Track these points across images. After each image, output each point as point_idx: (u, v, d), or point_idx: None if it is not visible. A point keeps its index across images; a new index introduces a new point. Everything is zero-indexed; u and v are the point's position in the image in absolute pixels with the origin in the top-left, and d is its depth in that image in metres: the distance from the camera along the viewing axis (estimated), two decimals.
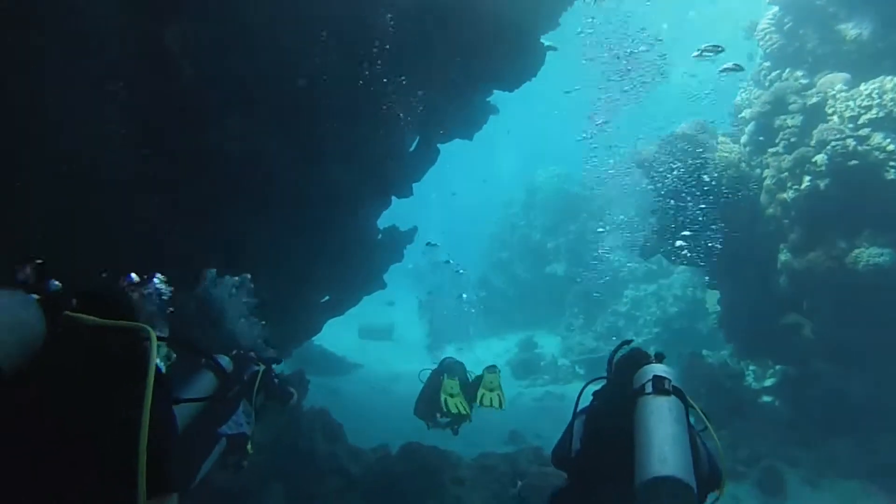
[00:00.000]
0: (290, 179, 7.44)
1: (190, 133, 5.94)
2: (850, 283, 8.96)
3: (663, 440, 2.89)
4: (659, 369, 3.23)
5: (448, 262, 20.98)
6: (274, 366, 5.37)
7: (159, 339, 1.96)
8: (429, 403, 7.72)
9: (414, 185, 11.49)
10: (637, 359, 3.42)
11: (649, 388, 3.11)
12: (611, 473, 3.02)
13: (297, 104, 7.25)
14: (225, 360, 4.72)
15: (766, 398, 12.58)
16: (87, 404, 1.75)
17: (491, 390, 7.71)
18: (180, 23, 5.64)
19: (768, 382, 13.16)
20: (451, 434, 7.98)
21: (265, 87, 6.70)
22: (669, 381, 3.15)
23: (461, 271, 22.36)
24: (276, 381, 5.27)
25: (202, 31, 5.83)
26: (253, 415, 4.85)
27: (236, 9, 6.05)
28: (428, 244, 18.13)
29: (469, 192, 33.30)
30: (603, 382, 3.53)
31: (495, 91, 11.79)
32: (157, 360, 1.90)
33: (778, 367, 12.46)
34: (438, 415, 7.78)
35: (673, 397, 3.09)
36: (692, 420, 3.16)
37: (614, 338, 19.02)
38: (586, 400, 3.47)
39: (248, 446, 4.74)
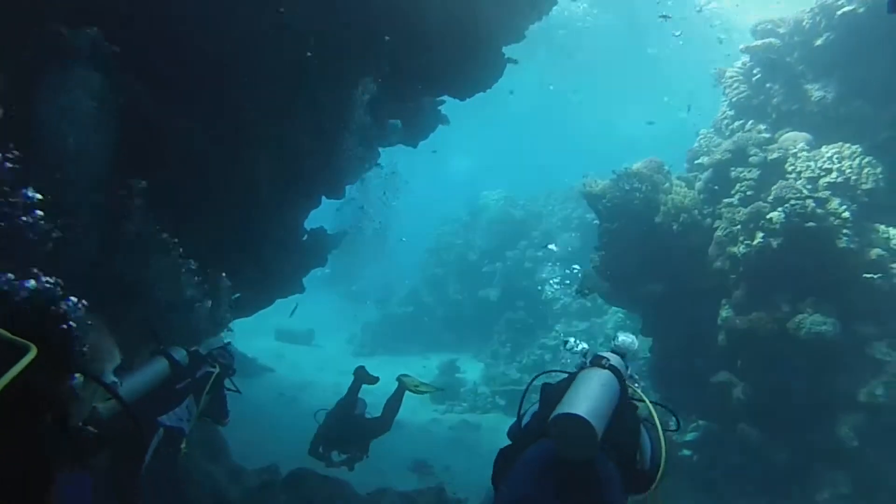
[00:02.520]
0: (209, 167, 6.51)
1: None
2: (789, 349, 8.60)
3: (581, 392, 3.32)
4: (604, 353, 3.75)
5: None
6: (228, 376, 5.34)
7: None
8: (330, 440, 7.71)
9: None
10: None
11: (588, 363, 3.64)
12: (543, 429, 3.32)
13: (222, 86, 6.33)
14: (181, 353, 4.76)
15: (686, 451, 12.26)
16: None
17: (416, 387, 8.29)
18: None
19: (689, 436, 12.87)
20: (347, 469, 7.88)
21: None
22: (608, 360, 3.63)
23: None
24: (225, 390, 5.27)
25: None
26: (195, 414, 4.83)
27: None
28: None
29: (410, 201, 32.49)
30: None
31: (448, 101, 11.15)
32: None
33: (701, 422, 12.12)
34: (335, 452, 7.84)
35: (607, 371, 3.52)
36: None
37: (537, 372, 18.49)
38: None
39: (183, 444, 4.67)
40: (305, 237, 10.79)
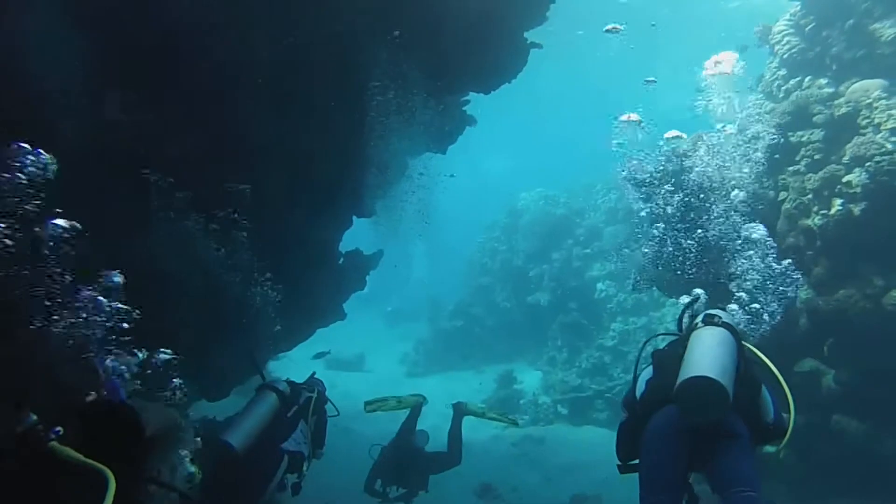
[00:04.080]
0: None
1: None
2: (888, 328, 7.48)
3: (702, 352, 3.29)
4: (714, 311, 3.73)
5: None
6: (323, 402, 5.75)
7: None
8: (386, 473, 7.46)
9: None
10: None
11: (700, 323, 3.60)
12: (665, 396, 3.27)
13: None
14: (282, 384, 5.31)
15: (769, 448, 11.12)
16: None
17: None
18: None
19: None
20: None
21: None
22: (720, 317, 3.61)
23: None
24: (326, 408, 5.74)
25: None
26: (309, 436, 5.27)
27: None
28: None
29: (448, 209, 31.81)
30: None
31: (472, 100, 10.40)
32: None
33: (785, 415, 10.98)
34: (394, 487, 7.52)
35: (721, 328, 3.48)
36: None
37: (599, 376, 17.48)
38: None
39: (305, 466, 5.12)
40: (341, 260, 10.26)
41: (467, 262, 25.54)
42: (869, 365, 7.90)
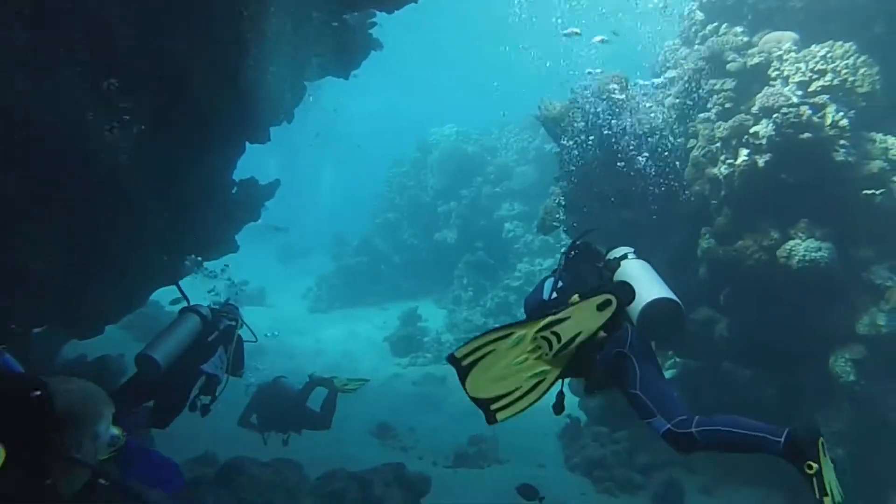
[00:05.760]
0: None
1: None
2: (779, 279, 7.65)
3: (652, 278, 3.47)
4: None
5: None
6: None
7: None
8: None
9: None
10: (594, 251, 3.95)
11: (631, 255, 3.73)
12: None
13: None
14: (205, 309, 5.40)
15: None
16: None
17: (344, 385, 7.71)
18: None
19: (667, 374, 12.16)
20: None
21: None
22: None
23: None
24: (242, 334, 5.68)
25: None
26: (227, 362, 5.41)
27: None
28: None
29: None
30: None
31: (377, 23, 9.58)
32: None
33: (678, 359, 11.35)
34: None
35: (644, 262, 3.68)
36: None
37: (503, 315, 17.60)
38: None
39: (217, 390, 5.31)
40: (235, 190, 9.47)
41: (373, 196, 24.86)
42: (759, 315, 8.11)
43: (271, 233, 20.22)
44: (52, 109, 5.22)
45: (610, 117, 9.02)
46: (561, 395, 3.51)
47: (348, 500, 6.85)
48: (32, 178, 5.46)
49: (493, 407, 3.12)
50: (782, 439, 2.92)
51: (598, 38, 11.49)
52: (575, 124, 9.37)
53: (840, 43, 7.64)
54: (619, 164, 8.65)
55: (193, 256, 8.31)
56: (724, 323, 8.66)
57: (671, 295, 3.35)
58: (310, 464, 7.87)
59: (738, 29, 8.72)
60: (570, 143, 9.37)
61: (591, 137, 9.12)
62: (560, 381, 3.37)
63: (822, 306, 7.62)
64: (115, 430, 2.16)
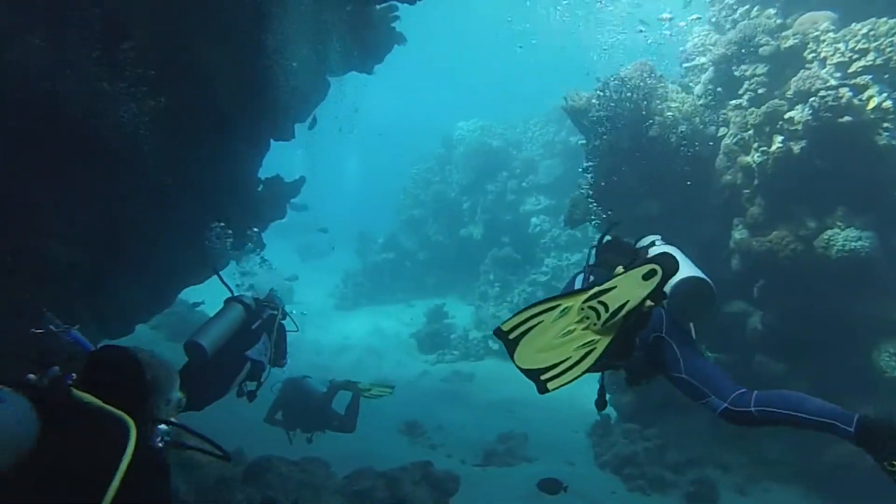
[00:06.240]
0: None
1: None
2: (817, 271, 7.36)
3: (684, 260, 3.35)
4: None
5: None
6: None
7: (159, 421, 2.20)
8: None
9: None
10: (623, 243, 3.87)
11: (659, 242, 3.69)
12: None
13: None
14: (248, 298, 5.46)
15: None
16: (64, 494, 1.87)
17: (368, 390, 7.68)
18: None
19: None
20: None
21: None
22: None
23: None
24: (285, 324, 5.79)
25: None
26: (271, 349, 5.47)
27: None
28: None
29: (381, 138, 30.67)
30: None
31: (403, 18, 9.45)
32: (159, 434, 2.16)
33: (711, 354, 11.07)
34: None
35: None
36: None
37: None
38: None
39: (263, 376, 5.43)
40: (260, 188, 9.49)
41: (399, 193, 24.77)
42: (793, 307, 7.83)
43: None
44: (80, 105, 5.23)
45: (638, 106, 8.78)
46: (602, 389, 3.50)
47: (376, 500, 6.76)
48: (57, 175, 5.49)
49: (544, 377, 3.00)
50: (853, 428, 2.75)
51: (666, 14, 11.37)
52: (602, 114, 9.15)
53: (885, 19, 7.27)
54: (647, 153, 8.39)
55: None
56: (758, 316, 8.38)
57: (701, 274, 3.28)
58: (337, 461, 7.82)
59: (771, 11, 8.41)
60: (597, 133, 9.15)
61: (619, 127, 8.89)
62: (600, 374, 3.38)
63: (862, 298, 7.32)
64: (179, 394, 2.42)
